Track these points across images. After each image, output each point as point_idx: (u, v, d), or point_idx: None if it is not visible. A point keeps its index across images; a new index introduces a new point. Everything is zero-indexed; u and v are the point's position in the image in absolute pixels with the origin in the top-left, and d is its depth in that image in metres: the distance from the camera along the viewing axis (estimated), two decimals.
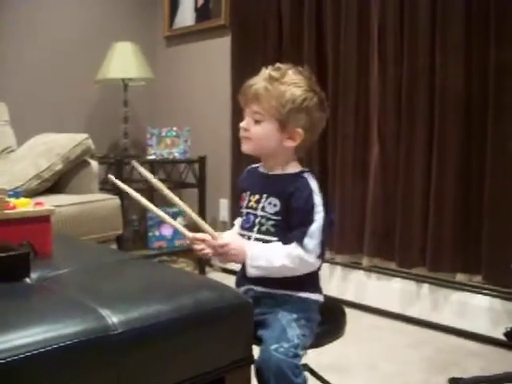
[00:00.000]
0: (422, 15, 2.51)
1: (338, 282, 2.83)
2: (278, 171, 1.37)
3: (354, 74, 2.78)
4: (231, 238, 1.36)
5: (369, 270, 2.79)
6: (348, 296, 2.79)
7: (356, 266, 2.82)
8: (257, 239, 1.34)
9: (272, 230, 1.32)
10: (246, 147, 1.36)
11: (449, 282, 2.53)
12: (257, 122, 1.33)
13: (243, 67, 3.32)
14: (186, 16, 3.84)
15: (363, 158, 2.78)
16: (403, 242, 2.60)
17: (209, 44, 3.71)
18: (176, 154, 3.53)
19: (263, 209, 1.34)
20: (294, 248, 1.28)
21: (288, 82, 1.30)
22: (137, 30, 3.92)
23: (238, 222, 1.45)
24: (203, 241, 1.34)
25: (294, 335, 1.25)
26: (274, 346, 1.22)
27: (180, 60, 3.94)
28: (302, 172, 1.36)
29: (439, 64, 2.46)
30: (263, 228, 1.33)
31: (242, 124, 1.35)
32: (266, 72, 1.33)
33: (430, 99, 2.51)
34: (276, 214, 1.32)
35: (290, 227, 1.30)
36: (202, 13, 3.72)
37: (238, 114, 3.38)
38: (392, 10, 2.61)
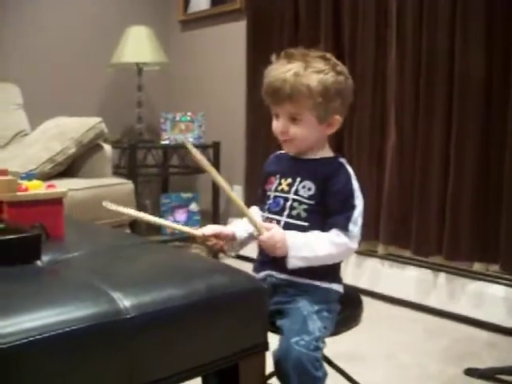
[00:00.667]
0: (441, 1, 2.45)
1: (352, 270, 2.80)
2: (311, 155, 1.33)
3: (371, 60, 2.73)
4: (274, 230, 1.26)
5: (384, 257, 2.76)
6: (363, 284, 2.76)
7: (371, 253, 2.79)
8: (286, 223, 1.30)
9: (303, 214, 1.28)
10: (290, 149, 1.34)
11: (465, 271, 2.49)
12: (294, 120, 1.28)
13: (258, 52, 3.28)
14: (201, 0, 3.79)
15: (380, 145, 2.74)
16: (420, 231, 2.57)
17: (224, 28, 3.67)
18: (190, 139, 3.51)
19: (296, 192, 1.30)
20: (337, 235, 1.25)
21: (314, 73, 1.25)
22: (151, 14, 3.89)
23: (256, 210, 1.42)
24: (214, 236, 1.32)
25: (316, 328, 1.22)
26: (294, 339, 1.18)
27: (195, 44, 3.91)
28: (337, 157, 1.34)
29: (459, 51, 2.40)
30: (294, 212, 1.29)
31: (280, 128, 1.30)
32: (284, 65, 1.27)
33: (449, 87, 2.46)
34: (310, 197, 1.28)
35: (328, 211, 1.27)
36: None
37: (252, 100, 3.35)
38: None
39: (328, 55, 1.31)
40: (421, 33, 2.53)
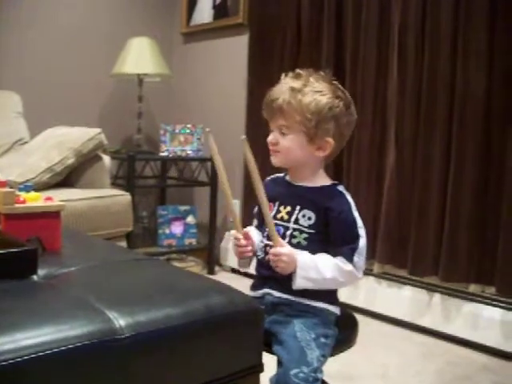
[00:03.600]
0: (444, 18, 2.45)
1: (348, 288, 2.77)
2: (308, 182, 1.33)
3: (372, 76, 2.73)
4: (288, 247, 1.26)
5: (380, 276, 2.75)
6: (358, 302, 2.76)
7: (367, 272, 2.78)
8: None
9: (304, 243, 1.28)
10: (275, 160, 1.33)
11: (461, 292, 2.48)
12: (284, 134, 1.29)
13: (260, 66, 3.29)
14: (204, 13, 3.81)
15: (379, 162, 2.74)
16: (416, 250, 2.56)
17: (226, 42, 3.68)
18: (189, 152, 3.51)
19: (296, 221, 1.29)
20: (344, 263, 1.25)
21: (311, 92, 1.25)
22: (154, 25, 3.91)
23: (253, 230, 1.41)
24: (246, 238, 1.33)
25: (314, 358, 1.21)
26: (293, 372, 1.17)
27: (196, 57, 3.91)
28: (335, 185, 1.34)
29: (460, 69, 2.40)
30: (294, 241, 1.29)
31: (270, 139, 1.32)
32: (286, 82, 1.29)
33: (449, 105, 2.46)
34: (310, 227, 1.28)
35: (330, 241, 1.27)
36: (219, 10, 3.69)
37: (252, 114, 3.36)
38: (413, 13, 2.55)
39: (334, 81, 1.31)
40: (422, 53, 2.54)
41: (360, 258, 1.26)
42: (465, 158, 2.40)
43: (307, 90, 1.26)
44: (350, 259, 1.25)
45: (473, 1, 2.35)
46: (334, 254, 1.25)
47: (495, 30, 2.32)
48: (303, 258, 1.24)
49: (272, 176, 1.44)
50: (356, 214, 1.28)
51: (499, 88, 2.33)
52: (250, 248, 1.34)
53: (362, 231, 1.27)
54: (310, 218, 1.28)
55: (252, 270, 1.40)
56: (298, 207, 1.30)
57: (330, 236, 1.27)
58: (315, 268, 1.23)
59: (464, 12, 2.38)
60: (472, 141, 2.38)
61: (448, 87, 2.46)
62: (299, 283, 1.24)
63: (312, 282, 1.24)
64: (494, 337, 2.32)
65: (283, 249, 1.23)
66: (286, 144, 1.29)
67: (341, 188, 1.32)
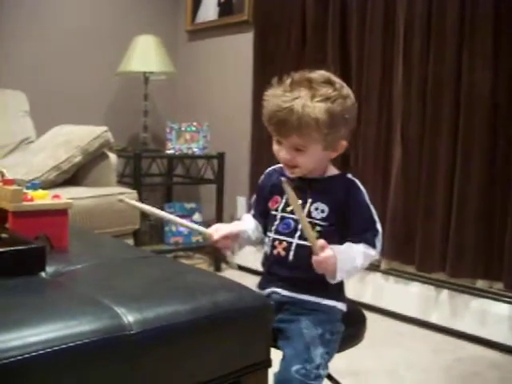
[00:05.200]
0: (449, 18, 2.45)
1: (355, 284, 2.78)
2: (317, 174, 1.32)
3: (378, 75, 2.73)
4: (329, 250, 1.19)
5: (387, 272, 2.74)
6: (365, 298, 2.76)
7: (374, 268, 2.78)
8: (298, 245, 1.28)
9: (317, 235, 1.25)
10: (294, 175, 1.30)
11: (469, 288, 2.48)
12: (298, 150, 1.25)
13: (265, 64, 3.29)
14: (209, 10, 3.81)
15: (385, 160, 2.73)
16: (424, 246, 2.56)
17: (231, 39, 3.68)
18: (195, 150, 3.51)
19: (309, 214, 1.27)
20: (367, 249, 1.25)
21: (321, 101, 1.20)
22: (159, 23, 3.91)
23: (249, 219, 1.41)
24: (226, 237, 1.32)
25: (318, 354, 1.20)
26: (295, 367, 1.16)
27: (202, 55, 3.91)
28: (344, 174, 1.33)
29: (466, 69, 2.40)
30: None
31: (285, 158, 1.27)
32: (291, 93, 1.22)
33: (455, 104, 2.45)
34: (323, 219, 1.27)
35: (351, 229, 1.27)
36: (225, 8, 3.69)
37: (258, 112, 3.35)
38: (419, 13, 2.54)
39: (332, 78, 1.26)
40: (428, 54, 2.53)
41: (379, 242, 1.27)
42: (471, 155, 2.39)
43: (316, 101, 1.20)
44: (373, 245, 1.26)
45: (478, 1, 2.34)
46: (357, 241, 1.25)
47: (501, 32, 2.31)
48: (340, 252, 1.21)
49: (276, 167, 1.41)
50: (368, 199, 1.30)
51: (504, 88, 2.32)
52: (229, 242, 1.34)
53: (376, 217, 1.29)
54: (323, 211, 1.27)
55: (258, 265, 1.40)
56: (309, 200, 1.28)
57: (346, 226, 1.27)
58: (349, 259, 1.23)
59: (470, 9, 2.37)
60: (478, 138, 2.38)
61: (453, 88, 2.45)
62: (338, 278, 1.23)
63: (346, 274, 1.24)
64: (502, 333, 2.31)
65: (327, 252, 1.18)
66: (304, 161, 1.26)
67: (350, 176, 1.33)
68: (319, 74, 1.26)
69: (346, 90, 1.27)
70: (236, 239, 1.36)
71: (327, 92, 1.22)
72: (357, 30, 2.81)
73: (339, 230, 1.27)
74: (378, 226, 1.28)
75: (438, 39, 2.49)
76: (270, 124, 1.27)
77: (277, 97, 1.24)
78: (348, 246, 1.25)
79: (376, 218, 1.29)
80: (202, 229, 1.36)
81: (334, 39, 2.91)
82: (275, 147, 1.30)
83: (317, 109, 1.19)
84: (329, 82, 1.25)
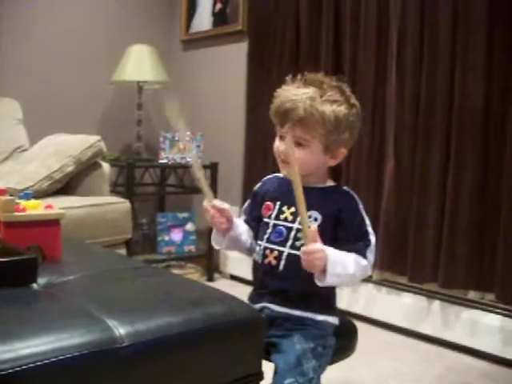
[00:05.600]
0: (442, 30, 2.46)
1: (347, 295, 2.79)
2: (313, 183, 1.31)
3: (370, 86, 2.73)
4: (319, 243, 1.17)
5: (379, 283, 2.75)
6: (357, 309, 2.76)
7: (366, 278, 2.78)
8: (289, 254, 1.28)
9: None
10: (287, 172, 1.28)
11: (460, 298, 2.48)
12: (299, 145, 1.25)
13: (259, 74, 3.30)
14: (203, 20, 3.82)
15: (378, 170, 2.74)
16: (415, 257, 2.56)
17: (225, 49, 3.69)
18: (189, 159, 3.51)
19: None
20: (357, 257, 1.23)
21: (329, 102, 1.23)
22: (153, 33, 3.91)
23: (241, 222, 1.39)
24: (219, 210, 1.29)
25: (310, 368, 1.20)
26: (288, 381, 1.16)
27: (196, 64, 3.92)
28: (340, 186, 1.34)
29: (458, 81, 2.41)
30: (298, 243, 1.26)
31: (282, 149, 1.27)
32: (299, 88, 1.25)
33: (447, 116, 2.46)
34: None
35: (343, 240, 1.25)
36: (219, 17, 3.71)
37: (251, 121, 3.37)
38: (412, 24, 2.55)
39: (343, 86, 1.29)
40: (421, 62, 2.54)
41: (372, 254, 1.26)
42: (463, 167, 2.40)
43: (324, 100, 1.23)
44: (364, 255, 1.24)
45: (471, 10, 2.36)
46: (348, 250, 1.23)
47: (494, 41, 2.32)
48: (331, 252, 1.18)
49: (272, 175, 1.42)
50: (363, 212, 1.29)
51: (497, 98, 2.33)
52: (224, 220, 1.30)
53: (370, 229, 1.28)
54: (315, 219, 1.27)
55: (248, 274, 1.39)
56: None
57: (338, 236, 1.26)
58: (341, 263, 1.19)
59: (463, 21, 2.39)
60: (470, 149, 2.38)
61: (446, 96, 2.46)
62: (328, 280, 1.18)
63: (338, 278, 1.19)
64: (493, 343, 2.31)
65: (317, 245, 1.15)
66: (302, 156, 1.25)
67: (346, 188, 1.33)
68: (332, 80, 1.30)
69: (354, 100, 1.29)
70: (231, 225, 1.33)
71: (335, 95, 1.25)
72: (350, 42, 2.82)
73: (330, 240, 1.23)
74: (372, 238, 1.27)
75: (431, 49, 2.50)
76: (277, 115, 1.29)
77: (286, 90, 1.28)
78: (341, 252, 1.22)
79: (370, 229, 1.28)
80: (209, 192, 1.31)
81: (328, 49, 2.92)
82: (276, 144, 1.31)
83: (324, 106, 1.23)
84: (339, 88, 1.28)
